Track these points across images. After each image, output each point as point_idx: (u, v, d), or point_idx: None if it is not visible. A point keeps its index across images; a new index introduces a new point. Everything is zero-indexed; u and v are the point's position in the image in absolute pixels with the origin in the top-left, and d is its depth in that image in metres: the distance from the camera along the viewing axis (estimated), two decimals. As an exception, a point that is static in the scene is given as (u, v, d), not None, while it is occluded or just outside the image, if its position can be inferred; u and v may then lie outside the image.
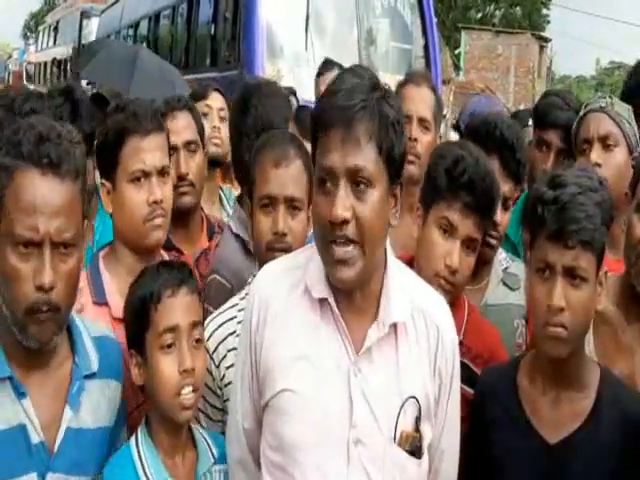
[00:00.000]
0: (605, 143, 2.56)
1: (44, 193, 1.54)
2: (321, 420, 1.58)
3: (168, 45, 11.17)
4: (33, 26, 39.25)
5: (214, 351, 2.03)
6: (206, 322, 2.07)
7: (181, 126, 2.66)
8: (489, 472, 1.90)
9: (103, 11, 15.85)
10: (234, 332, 2.01)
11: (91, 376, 1.72)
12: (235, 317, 2.04)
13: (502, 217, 2.33)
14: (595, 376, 1.85)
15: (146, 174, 2.06)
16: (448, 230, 2.04)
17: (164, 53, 11.39)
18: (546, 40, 30.50)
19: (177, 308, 1.79)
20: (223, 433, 1.98)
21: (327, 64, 4.37)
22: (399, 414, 1.60)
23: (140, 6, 12.60)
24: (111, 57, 6.39)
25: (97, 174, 2.31)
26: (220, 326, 2.04)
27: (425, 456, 1.66)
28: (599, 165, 2.50)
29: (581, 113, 2.65)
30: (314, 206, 1.58)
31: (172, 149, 2.57)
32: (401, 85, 2.97)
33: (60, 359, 1.68)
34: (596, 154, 2.55)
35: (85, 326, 1.76)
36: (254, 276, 2.00)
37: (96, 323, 1.87)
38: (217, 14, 8.91)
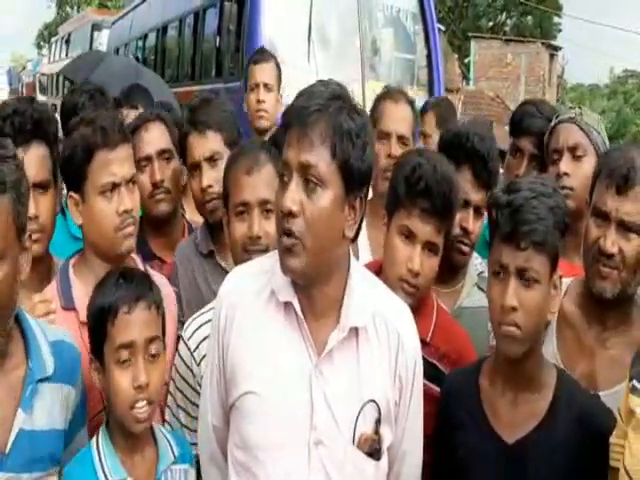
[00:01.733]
0: (574, 153, 2.62)
1: None
2: (283, 422, 1.65)
3: (175, 56, 11.31)
4: (47, 36, 39.60)
5: (195, 349, 2.10)
6: (187, 323, 2.16)
7: (154, 136, 2.74)
8: (455, 472, 1.96)
9: (113, 23, 16.02)
10: None
11: (45, 380, 1.74)
12: None
13: (474, 225, 2.41)
14: (552, 377, 1.91)
15: (116, 185, 2.11)
16: (408, 236, 2.11)
17: (171, 64, 11.57)
18: (556, 49, 30.43)
19: (133, 324, 1.83)
20: None
21: (261, 52, 4.29)
22: (358, 417, 1.66)
23: (149, 19, 12.75)
24: (113, 70, 6.59)
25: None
26: (201, 326, 2.12)
27: (384, 458, 1.71)
28: (568, 174, 2.58)
29: (552, 124, 2.71)
30: (275, 200, 1.66)
31: (146, 159, 2.70)
32: (379, 101, 3.06)
33: (13, 363, 1.71)
34: (565, 164, 2.61)
35: (42, 330, 1.79)
36: None
37: (55, 327, 1.90)
38: (222, 26, 9.03)
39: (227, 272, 2.42)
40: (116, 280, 1.88)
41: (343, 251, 1.69)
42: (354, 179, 1.61)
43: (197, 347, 2.10)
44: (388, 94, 3.08)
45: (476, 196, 2.40)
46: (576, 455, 1.83)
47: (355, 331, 1.68)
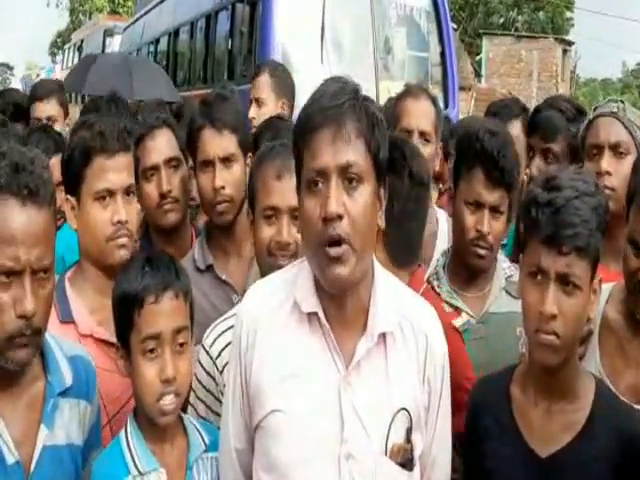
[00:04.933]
0: (616, 151, 2.50)
1: (24, 223, 1.55)
2: (312, 437, 1.59)
3: (187, 60, 11.29)
4: (60, 44, 39.84)
5: (217, 357, 2.06)
6: (208, 331, 2.11)
7: (161, 144, 2.67)
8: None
9: (125, 29, 16.04)
10: None
11: (64, 393, 1.72)
12: None
13: (490, 227, 2.31)
14: (589, 388, 1.82)
15: (111, 193, 2.08)
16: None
17: (183, 67, 11.55)
18: (569, 43, 30.24)
19: (160, 315, 1.78)
20: None
21: (257, 67, 4.35)
22: (390, 427, 1.60)
23: (160, 23, 12.74)
24: (104, 70, 6.67)
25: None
26: (222, 333, 2.08)
27: (417, 468, 1.66)
28: (609, 173, 2.46)
29: (590, 116, 2.60)
30: (303, 212, 1.59)
31: (154, 168, 2.64)
32: (399, 99, 3.00)
33: (31, 378, 1.69)
34: (607, 162, 2.49)
35: (59, 344, 1.77)
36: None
37: (71, 342, 1.87)
38: (234, 29, 8.99)
39: (227, 284, 2.41)
40: (142, 266, 1.82)
41: (372, 250, 1.65)
42: (382, 168, 1.59)
43: (219, 355, 2.06)
44: (408, 91, 3.03)
45: (490, 197, 2.29)
46: (614, 473, 1.73)
47: (382, 337, 1.63)
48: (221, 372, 2.05)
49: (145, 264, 1.82)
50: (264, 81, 4.03)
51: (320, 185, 1.54)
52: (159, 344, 1.77)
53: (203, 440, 1.87)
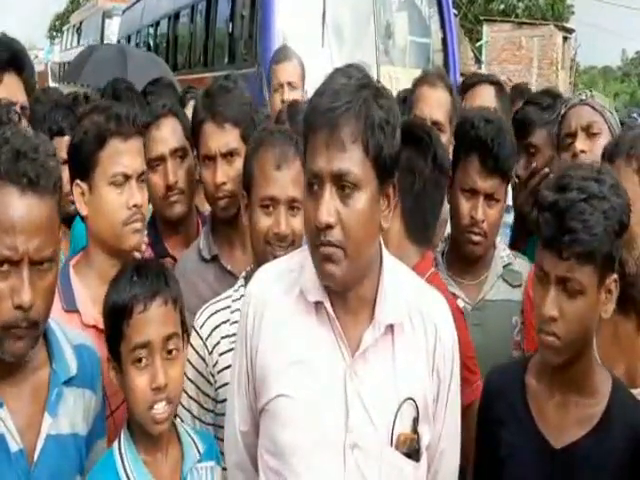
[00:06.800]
0: (589, 132, 2.54)
1: (23, 212, 1.50)
2: (317, 425, 1.58)
3: (187, 43, 11.24)
4: (59, 27, 39.61)
5: (208, 337, 2.05)
6: (199, 312, 2.10)
7: (167, 133, 2.62)
8: (496, 472, 1.86)
9: (124, 11, 15.95)
10: (228, 320, 2.05)
11: (69, 382, 1.70)
12: (229, 307, 2.07)
13: (486, 213, 2.33)
14: (606, 384, 1.79)
15: (127, 177, 2.04)
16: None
17: (184, 51, 11.51)
18: (570, 31, 30.04)
19: (149, 323, 1.74)
20: (214, 424, 2.01)
21: (283, 51, 4.40)
22: (396, 416, 1.59)
23: (160, 5, 12.68)
24: (100, 59, 6.66)
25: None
26: (214, 314, 2.08)
27: (423, 458, 1.64)
28: (584, 152, 2.48)
29: (562, 111, 2.63)
30: (304, 209, 1.59)
31: (160, 159, 2.59)
32: (416, 85, 2.99)
33: (36, 365, 1.66)
34: (580, 142, 2.52)
35: (64, 333, 1.74)
36: (245, 277, 2.06)
37: (75, 331, 1.84)
38: (234, 12, 8.95)
39: (233, 275, 2.38)
40: (130, 276, 1.79)
41: (377, 245, 1.63)
42: (387, 168, 1.54)
43: (209, 335, 2.06)
44: (425, 78, 3.01)
45: (484, 184, 2.31)
46: (626, 470, 1.72)
47: (390, 327, 1.61)
48: (211, 352, 2.05)
49: (133, 273, 1.79)
50: (295, 65, 4.06)
51: (316, 188, 1.52)
52: (149, 353, 1.74)
53: (197, 449, 1.85)
